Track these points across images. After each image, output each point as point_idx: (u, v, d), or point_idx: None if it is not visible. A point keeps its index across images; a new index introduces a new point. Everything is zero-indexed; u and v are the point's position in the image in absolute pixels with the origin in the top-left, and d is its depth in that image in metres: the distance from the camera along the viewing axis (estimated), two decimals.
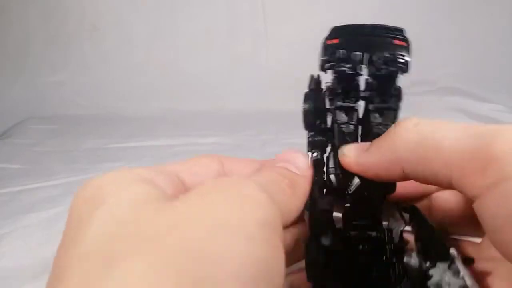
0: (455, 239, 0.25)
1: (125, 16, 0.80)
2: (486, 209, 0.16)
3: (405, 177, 0.19)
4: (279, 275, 0.14)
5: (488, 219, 0.16)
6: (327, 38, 0.21)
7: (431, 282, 0.18)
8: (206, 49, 0.76)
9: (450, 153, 0.17)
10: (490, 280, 0.21)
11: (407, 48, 0.20)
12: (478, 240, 0.23)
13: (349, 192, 0.21)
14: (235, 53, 0.75)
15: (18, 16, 0.68)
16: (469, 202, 0.22)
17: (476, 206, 0.17)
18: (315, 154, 0.22)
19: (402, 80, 0.24)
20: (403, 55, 0.20)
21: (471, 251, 0.23)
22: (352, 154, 0.21)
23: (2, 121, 0.72)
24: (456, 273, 0.18)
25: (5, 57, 0.83)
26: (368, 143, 0.21)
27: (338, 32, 0.21)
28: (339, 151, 0.21)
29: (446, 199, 0.24)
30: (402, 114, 0.22)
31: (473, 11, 0.53)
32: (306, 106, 0.21)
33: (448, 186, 0.18)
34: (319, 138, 0.23)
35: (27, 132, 0.70)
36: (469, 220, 0.23)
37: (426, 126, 0.18)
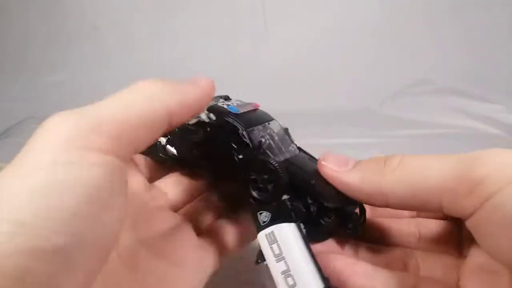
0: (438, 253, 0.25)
1: (125, 16, 0.80)
2: (478, 223, 0.18)
3: (388, 206, 0.20)
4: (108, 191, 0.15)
5: (480, 231, 0.18)
6: None
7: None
8: (206, 49, 0.76)
9: (437, 183, 0.19)
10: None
11: None
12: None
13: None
14: (235, 53, 0.75)
15: (18, 16, 0.68)
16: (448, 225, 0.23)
17: (468, 223, 0.19)
18: None
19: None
20: None
21: (455, 260, 0.23)
22: (332, 166, 0.22)
23: (2, 121, 0.72)
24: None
25: (5, 57, 0.83)
26: (348, 157, 0.22)
27: None
28: (320, 158, 0.22)
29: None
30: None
31: (473, 11, 0.53)
32: None
33: (438, 211, 0.19)
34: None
35: (27, 132, 0.70)
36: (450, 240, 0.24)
37: (410, 162, 0.20)
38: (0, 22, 0.67)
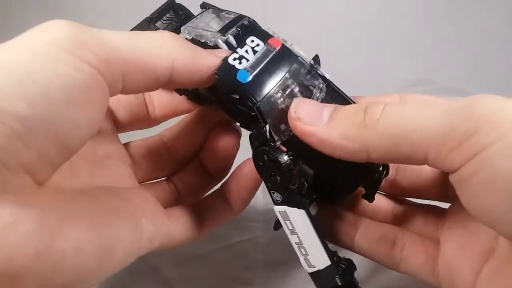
0: (422, 204, 0.26)
1: (125, 16, 0.80)
2: (462, 179, 0.17)
3: (369, 160, 0.19)
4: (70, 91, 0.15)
5: (464, 188, 0.17)
6: None
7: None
8: None
9: (423, 136, 0.17)
10: (447, 246, 0.22)
11: None
12: (446, 205, 0.24)
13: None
14: None
15: (18, 16, 0.68)
16: (436, 170, 0.23)
17: (452, 178, 0.17)
18: None
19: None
20: None
21: (436, 216, 0.24)
22: (307, 120, 0.19)
23: None
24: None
25: None
26: (323, 105, 0.20)
27: None
28: (291, 108, 0.20)
29: (412, 169, 0.25)
30: None
31: (473, 11, 0.53)
32: None
33: (422, 163, 0.18)
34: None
35: None
36: (437, 186, 0.24)
37: (393, 112, 0.18)
38: (0, 22, 0.67)
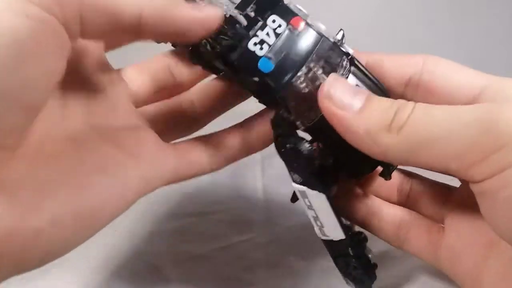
0: (429, 181, 0.26)
1: None
2: (486, 193, 0.16)
3: (385, 160, 0.19)
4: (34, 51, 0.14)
5: (487, 203, 0.17)
6: None
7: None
8: None
9: (444, 147, 0.17)
10: (451, 233, 0.23)
11: None
12: (457, 184, 0.24)
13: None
14: None
15: None
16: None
17: (475, 187, 0.17)
18: None
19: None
20: None
21: (443, 195, 0.24)
22: (338, 102, 0.19)
23: None
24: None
25: None
26: (356, 90, 0.19)
27: None
28: (324, 85, 0.19)
29: None
30: None
31: (473, 11, 0.53)
32: None
33: (442, 173, 0.18)
34: None
35: None
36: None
37: (419, 119, 0.17)
38: None
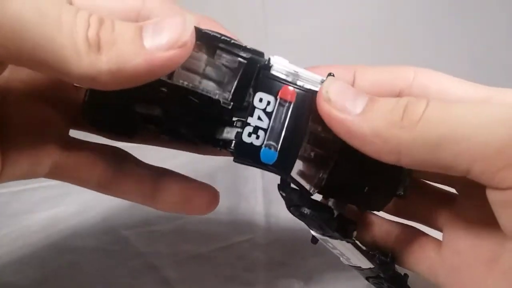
0: (431, 185, 0.25)
1: None
2: (505, 201, 0.15)
3: (398, 164, 0.17)
4: None
5: (505, 211, 0.15)
6: None
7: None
8: None
9: (469, 145, 0.15)
10: (449, 248, 0.21)
11: None
12: (454, 191, 0.23)
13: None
14: None
15: None
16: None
17: (496, 195, 0.15)
18: None
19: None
20: None
21: (441, 203, 0.23)
22: (338, 105, 0.17)
23: None
24: None
25: None
26: (358, 92, 0.17)
27: None
28: (322, 88, 0.17)
29: None
30: None
31: (473, 11, 0.53)
32: None
33: (462, 175, 0.16)
34: None
35: None
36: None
37: (437, 114, 0.15)
38: None
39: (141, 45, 0.14)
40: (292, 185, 0.20)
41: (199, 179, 0.25)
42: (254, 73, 0.19)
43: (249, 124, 0.18)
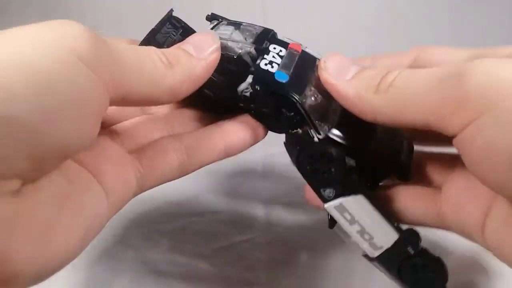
0: (430, 153, 0.26)
1: (125, 16, 0.80)
2: (464, 144, 0.17)
3: (377, 122, 0.20)
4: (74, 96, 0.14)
5: (466, 153, 0.18)
6: None
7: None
8: None
9: (422, 104, 0.18)
10: (451, 190, 0.23)
11: None
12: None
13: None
14: None
15: (18, 16, 0.68)
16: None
17: (455, 142, 0.18)
18: None
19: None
20: None
21: (438, 163, 0.24)
22: (332, 72, 0.21)
23: None
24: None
25: None
26: (351, 63, 0.21)
27: None
28: (321, 58, 0.22)
29: None
30: None
31: (473, 11, 0.53)
32: None
33: (426, 128, 0.19)
34: None
35: None
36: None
37: (401, 81, 0.19)
38: (0, 22, 0.67)
39: (196, 58, 0.20)
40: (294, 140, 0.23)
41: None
42: (269, 34, 0.23)
43: (265, 58, 0.22)
